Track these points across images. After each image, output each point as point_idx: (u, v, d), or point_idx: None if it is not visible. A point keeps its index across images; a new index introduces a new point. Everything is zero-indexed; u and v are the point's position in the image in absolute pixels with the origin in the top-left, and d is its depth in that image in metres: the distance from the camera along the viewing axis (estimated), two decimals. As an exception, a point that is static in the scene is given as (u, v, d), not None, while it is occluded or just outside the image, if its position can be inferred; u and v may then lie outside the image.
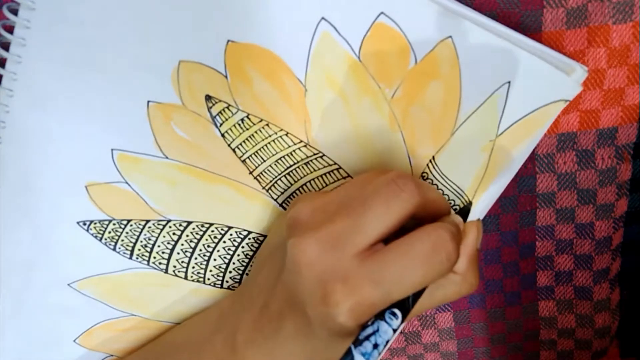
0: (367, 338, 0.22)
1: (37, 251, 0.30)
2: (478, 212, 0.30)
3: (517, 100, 0.26)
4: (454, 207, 0.29)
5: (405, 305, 0.23)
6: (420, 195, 0.23)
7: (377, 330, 0.22)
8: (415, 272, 0.22)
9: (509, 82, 0.26)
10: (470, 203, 0.29)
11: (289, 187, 0.30)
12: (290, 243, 0.24)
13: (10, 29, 0.27)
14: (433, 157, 0.28)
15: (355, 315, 0.22)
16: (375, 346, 0.22)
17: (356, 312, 0.22)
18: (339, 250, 0.23)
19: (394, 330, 0.22)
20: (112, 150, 0.29)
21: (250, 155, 0.29)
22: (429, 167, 0.29)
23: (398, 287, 0.22)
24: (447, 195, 0.29)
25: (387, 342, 0.22)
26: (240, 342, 0.27)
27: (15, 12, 0.26)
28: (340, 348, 0.22)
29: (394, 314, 0.23)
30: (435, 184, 0.29)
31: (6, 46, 0.27)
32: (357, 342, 0.22)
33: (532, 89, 0.26)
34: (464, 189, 0.29)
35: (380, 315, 0.22)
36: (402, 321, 0.23)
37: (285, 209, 0.31)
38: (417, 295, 0.24)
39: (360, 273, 0.22)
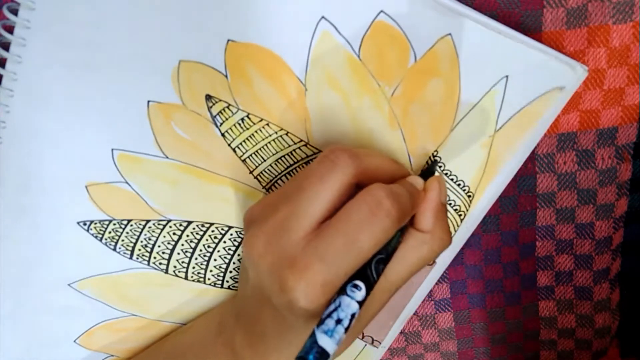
0: (329, 315, 0.21)
1: (37, 251, 0.30)
2: (479, 209, 0.30)
3: (514, 93, 0.26)
4: (454, 207, 0.29)
5: (367, 275, 0.23)
6: (356, 163, 0.23)
7: (339, 306, 0.22)
8: (358, 237, 0.22)
9: (507, 77, 0.26)
10: (434, 162, 0.28)
11: (289, 187, 0.30)
12: (244, 242, 0.24)
13: (10, 29, 0.27)
14: (432, 155, 0.28)
15: (312, 295, 0.22)
16: (339, 321, 0.21)
17: (312, 292, 0.22)
18: (285, 237, 0.23)
19: (359, 303, 0.22)
20: (112, 150, 0.29)
21: (251, 155, 0.29)
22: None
23: (345, 257, 0.22)
24: (449, 194, 0.29)
25: (353, 315, 0.22)
26: (238, 346, 0.27)
27: (15, 12, 0.26)
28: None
29: (356, 286, 0.22)
30: None
31: (6, 46, 0.27)
32: (320, 322, 0.21)
33: (529, 81, 0.26)
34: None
35: (341, 291, 0.22)
36: (368, 291, 0.23)
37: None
38: (383, 262, 0.23)
39: (306, 253, 0.22)
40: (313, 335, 0.21)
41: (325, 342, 0.21)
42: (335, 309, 0.22)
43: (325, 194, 0.23)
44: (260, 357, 0.26)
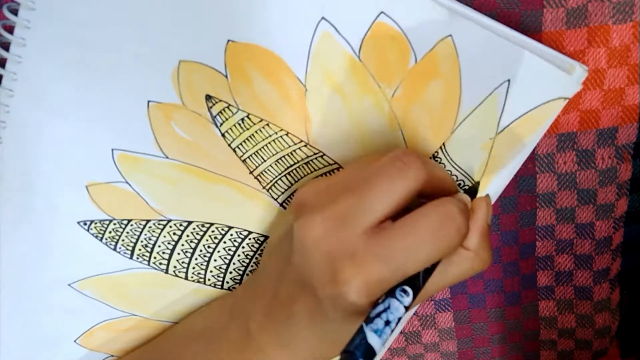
0: (379, 315, 0.21)
1: (37, 251, 0.30)
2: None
3: (516, 98, 0.26)
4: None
5: (415, 282, 0.23)
6: (426, 172, 0.23)
7: (389, 308, 0.22)
8: (424, 247, 0.22)
9: (509, 80, 0.26)
10: (477, 183, 0.28)
11: (289, 187, 0.30)
12: (296, 225, 0.24)
13: (10, 29, 0.27)
14: (434, 154, 0.28)
15: (365, 292, 0.22)
16: (387, 323, 0.21)
17: (366, 289, 0.22)
18: (345, 229, 0.23)
19: (406, 308, 0.22)
20: (112, 150, 0.29)
21: (251, 155, 0.29)
22: None
23: (407, 262, 0.22)
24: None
25: (399, 319, 0.22)
26: (254, 330, 0.27)
27: (15, 12, 0.26)
28: (352, 328, 0.22)
29: (405, 291, 0.22)
30: None
31: (6, 46, 0.27)
32: (369, 320, 0.21)
33: (531, 87, 0.26)
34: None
35: (390, 293, 0.22)
36: (414, 299, 0.23)
37: (285, 208, 0.31)
38: (428, 272, 0.24)
39: (368, 250, 0.22)
40: (362, 332, 0.21)
41: (374, 340, 0.21)
42: (385, 310, 0.22)
43: (392, 195, 0.23)
44: (280, 343, 0.26)
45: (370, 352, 0.21)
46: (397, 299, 0.22)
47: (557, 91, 0.26)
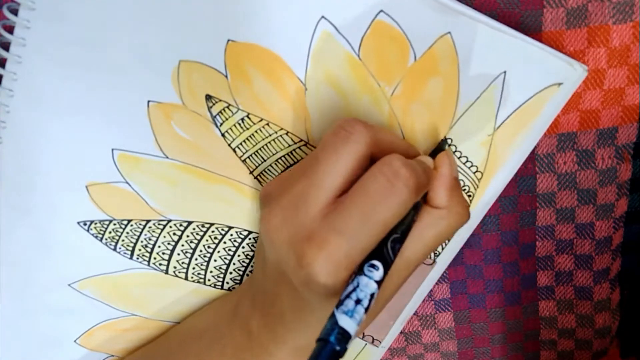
0: (348, 296, 0.21)
1: (37, 251, 0.30)
2: (480, 209, 0.30)
3: (513, 89, 0.26)
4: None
5: (385, 255, 0.23)
6: (370, 134, 0.23)
7: (358, 286, 0.21)
8: (376, 209, 0.22)
9: (505, 72, 0.26)
10: (444, 141, 0.28)
11: (289, 187, 0.30)
12: (260, 219, 0.24)
13: (10, 29, 0.27)
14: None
15: (331, 270, 0.22)
16: (358, 301, 0.21)
17: (331, 266, 0.22)
18: (302, 212, 0.22)
19: (377, 282, 0.22)
20: (112, 150, 0.29)
21: (251, 155, 0.29)
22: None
23: (363, 229, 0.22)
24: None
25: (372, 295, 0.22)
26: (255, 329, 0.27)
27: (15, 12, 0.26)
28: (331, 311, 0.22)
29: (373, 266, 0.22)
30: None
31: (6, 46, 0.27)
32: (339, 303, 0.21)
33: (527, 77, 0.26)
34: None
35: (360, 272, 0.22)
36: (386, 271, 0.22)
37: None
38: (397, 241, 0.23)
39: (324, 227, 0.22)
40: (333, 316, 0.21)
41: (346, 322, 0.20)
42: (354, 289, 0.21)
43: (340, 165, 0.23)
44: (278, 338, 0.26)
45: (345, 335, 0.20)
46: (366, 275, 0.22)
47: (551, 78, 0.26)
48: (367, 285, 0.22)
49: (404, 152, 0.25)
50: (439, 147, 0.28)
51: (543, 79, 0.26)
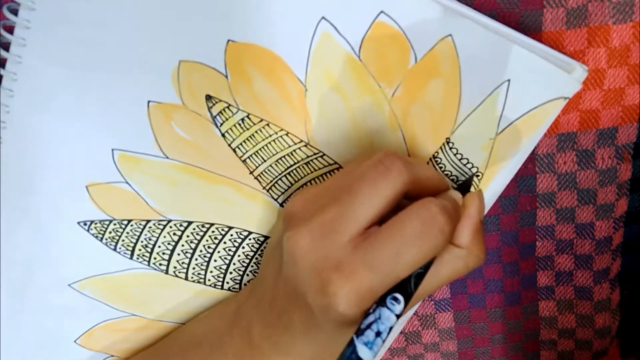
0: (369, 326, 0.21)
1: (38, 251, 0.30)
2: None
3: (517, 98, 0.26)
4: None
5: (406, 288, 0.23)
6: (409, 172, 0.23)
7: (379, 318, 0.22)
8: (409, 251, 0.22)
9: (509, 80, 0.26)
10: (471, 177, 0.28)
11: (289, 187, 0.30)
12: (285, 237, 0.24)
13: (10, 29, 0.27)
14: (434, 154, 0.28)
15: (354, 302, 0.22)
16: (378, 334, 0.21)
17: (354, 298, 0.22)
18: (331, 239, 0.23)
19: (397, 316, 0.22)
20: (112, 150, 0.29)
21: (251, 155, 0.29)
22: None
23: (393, 268, 0.22)
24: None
25: (390, 328, 0.22)
26: (256, 337, 0.27)
27: (15, 12, 0.26)
28: (345, 337, 0.22)
29: (396, 299, 0.22)
30: None
31: (6, 46, 0.27)
32: (359, 332, 0.21)
33: (531, 87, 0.26)
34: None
35: (381, 302, 0.22)
36: (405, 305, 0.23)
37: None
38: (420, 276, 0.23)
39: (353, 259, 0.22)
40: (352, 345, 0.21)
41: (365, 353, 0.21)
42: (375, 321, 0.21)
43: (376, 200, 0.23)
44: (281, 350, 0.26)
45: None
46: (388, 308, 0.22)
47: (557, 91, 0.26)
48: (389, 318, 0.22)
49: (438, 187, 0.25)
50: (467, 182, 0.28)
51: (548, 91, 0.26)
